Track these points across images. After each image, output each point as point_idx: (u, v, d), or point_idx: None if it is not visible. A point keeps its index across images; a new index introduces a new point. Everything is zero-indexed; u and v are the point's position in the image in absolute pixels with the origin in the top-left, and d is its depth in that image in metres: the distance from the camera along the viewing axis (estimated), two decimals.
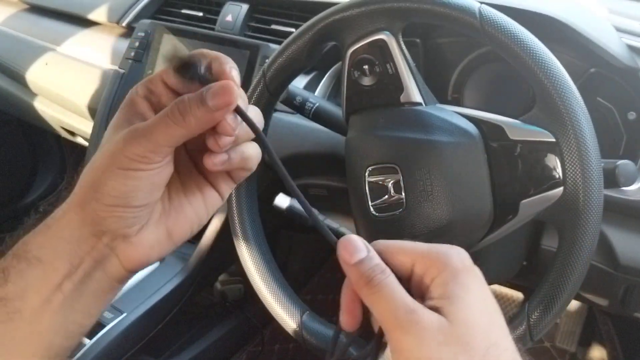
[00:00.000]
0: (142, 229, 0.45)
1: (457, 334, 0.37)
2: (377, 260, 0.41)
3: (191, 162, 0.49)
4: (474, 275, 0.40)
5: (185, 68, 0.42)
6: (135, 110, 0.45)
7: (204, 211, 0.50)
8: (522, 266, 0.96)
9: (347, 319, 0.44)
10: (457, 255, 0.40)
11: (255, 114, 0.46)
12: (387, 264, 0.42)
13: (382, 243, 0.43)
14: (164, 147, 0.42)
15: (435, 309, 0.38)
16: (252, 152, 0.48)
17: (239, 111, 0.43)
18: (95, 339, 0.94)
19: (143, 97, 0.46)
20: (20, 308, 0.42)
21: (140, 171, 0.42)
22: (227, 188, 0.51)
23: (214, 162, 0.45)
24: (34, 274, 0.43)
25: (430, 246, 0.42)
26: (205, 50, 0.44)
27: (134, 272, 0.47)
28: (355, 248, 0.41)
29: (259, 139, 0.46)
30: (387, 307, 0.39)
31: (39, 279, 0.43)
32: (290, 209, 0.40)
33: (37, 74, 1.36)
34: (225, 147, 0.44)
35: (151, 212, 0.45)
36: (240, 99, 0.42)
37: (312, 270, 1.52)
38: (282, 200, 0.39)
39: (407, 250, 0.42)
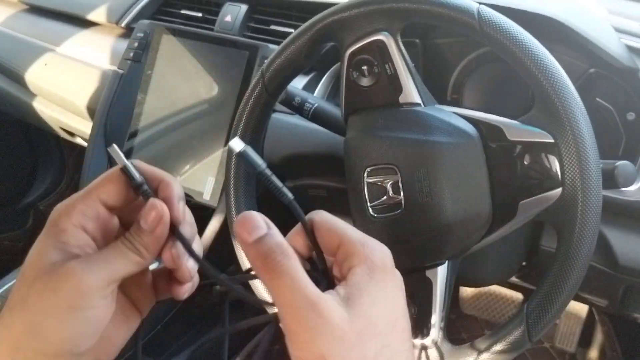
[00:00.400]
0: None
1: (355, 330, 0.36)
2: (278, 238, 0.38)
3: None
4: (391, 278, 0.39)
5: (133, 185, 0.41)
6: (67, 242, 0.39)
7: (127, 333, 0.45)
8: (521, 266, 0.96)
9: None
10: (381, 254, 0.39)
11: (190, 226, 0.44)
12: (317, 238, 0.40)
13: (319, 216, 0.41)
14: (120, 276, 0.39)
15: (343, 296, 0.37)
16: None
17: (174, 231, 0.41)
18: None
19: (78, 226, 0.40)
20: None
21: (90, 309, 0.37)
22: (149, 305, 0.47)
23: (184, 292, 0.44)
24: None
25: (360, 236, 0.40)
26: (146, 168, 0.43)
27: None
28: (254, 225, 0.38)
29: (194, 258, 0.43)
30: (286, 296, 0.36)
31: None
32: (243, 154, 0.37)
33: (36, 75, 1.36)
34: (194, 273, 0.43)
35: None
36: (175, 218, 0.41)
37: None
38: (237, 144, 0.36)
39: (338, 231, 0.40)
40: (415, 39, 0.96)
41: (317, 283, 0.38)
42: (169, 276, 0.45)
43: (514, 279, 1.06)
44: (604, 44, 0.81)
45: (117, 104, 1.18)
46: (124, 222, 0.45)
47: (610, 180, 0.65)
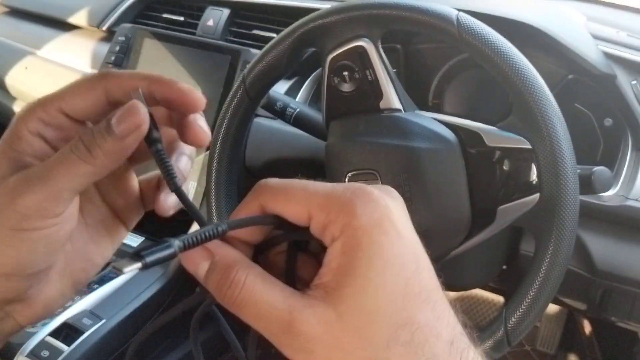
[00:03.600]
0: (43, 287, 0.37)
1: (349, 329, 0.29)
2: (224, 263, 0.32)
3: (98, 195, 0.40)
4: (386, 236, 0.30)
5: None
6: (22, 150, 0.34)
7: (110, 248, 0.41)
8: (501, 270, 0.97)
9: None
10: (363, 206, 0.30)
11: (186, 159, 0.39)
12: (282, 216, 0.33)
13: (269, 188, 0.33)
14: (66, 193, 0.33)
15: (327, 290, 0.30)
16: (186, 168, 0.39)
17: (150, 140, 0.35)
18: (74, 345, 0.93)
19: (36, 134, 0.35)
20: None
21: (36, 231, 0.33)
22: (136, 217, 0.42)
23: (168, 207, 0.39)
24: None
25: (329, 191, 0.31)
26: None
27: (28, 325, 0.38)
28: (194, 260, 0.32)
29: (170, 183, 0.35)
30: (260, 324, 0.31)
31: None
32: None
33: (16, 78, 1.35)
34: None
35: (51, 269, 0.37)
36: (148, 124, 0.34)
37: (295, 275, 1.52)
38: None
39: (299, 199, 0.32)
40: (397, 45, 0.96)
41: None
42: (158, 185, 0.40)
43: (494, 283, 1.07)
44: (582, 51, 0.82)
45: None
46: None
47: (587, 185, 0.66)
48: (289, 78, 1.03)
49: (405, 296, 0.30)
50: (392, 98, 0.71)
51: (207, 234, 0.32)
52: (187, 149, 0.40)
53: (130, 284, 1.03)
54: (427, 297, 0.31)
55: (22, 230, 0.33)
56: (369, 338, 0.29)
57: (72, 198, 0.34)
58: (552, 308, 1.43)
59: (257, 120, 0.96)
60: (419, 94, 0.91)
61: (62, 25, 1.36)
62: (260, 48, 0.80)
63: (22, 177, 0.33)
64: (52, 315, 0.39)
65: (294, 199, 0.32)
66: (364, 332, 0.29)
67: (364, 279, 0.29)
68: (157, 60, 1.15)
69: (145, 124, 0.33)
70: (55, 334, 0.90)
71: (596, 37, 0.88)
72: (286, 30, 0.75)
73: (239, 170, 0.85)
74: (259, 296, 0.30)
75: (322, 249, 0.32)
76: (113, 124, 0.33)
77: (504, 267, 0.97)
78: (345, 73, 0.72)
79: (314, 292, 0.31)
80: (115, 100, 0.35)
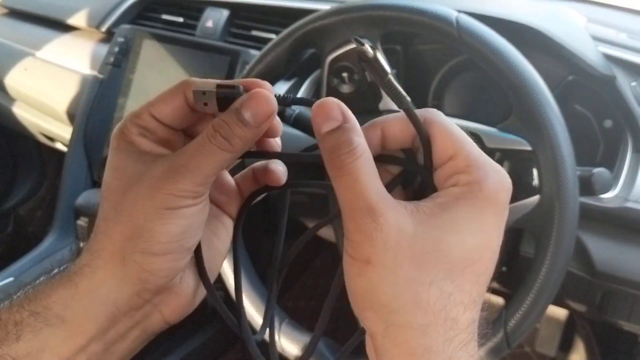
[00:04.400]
0: (184, 275, 0.40)
1: (415, 249, 0.32)
2: (348, 135, 0.34)
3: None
4: (495, 213, 0.34)
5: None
6: (138, 149, 0.39)
7: (227, 237, 0.45)
8: (501, 272, 0.96)
9: None
10: (496, 183, 0.34)
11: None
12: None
13: (438, 118, 0.36)
14: (211, 177, 0.37)
15: (422, 211, 0.33)
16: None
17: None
18: None
19: (139, 134, 0.39)
20: None
21: (189, 207, 0.37)
22: (237, 207, 0.46)
23: (280, 177, 0.43)
24: (54, 334, 0.37)
25: (480, 155, 0.35)
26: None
27: (174, 323, 0.42)
28: (328, 115, 0.34)
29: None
30: (346, 195, 0.33)
31: (59, 340, 0.37)
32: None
33: (16, 79, 1.35)
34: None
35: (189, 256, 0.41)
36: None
37: (293, 277, 1.52)
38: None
39: (456, 142, 0.35)
40: (397, 46, 0.96)
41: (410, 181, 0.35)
42: (254, 177, 0.45)
43: (494, 285, 1.07)
44: (582, 52, 0.82)
45: (97, 109, 1.17)
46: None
47: (587, 187, 0.66)
48: (288, 79, 1.03)
49: (470, 266, 0.33)
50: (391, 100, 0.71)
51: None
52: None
53: None
54: (481, 283, 0.34)
55: (179, 208, 0.37)
56: (423, 265, 0.32)
57: (213, 181, 0.38)
58: (552, 310, 1.43)
59: None
60: (418, 95, 0.91)
61: (62, 27, 1.35)
62: (259, 49, 0.80)
63: (167, 167, 0.37)
64: (194, 308, 0.42)
65: (455, 139, 0.35)
66: (423, 259, 0.32)
67: (457, 226, 0.33)
68: (156, 61, 1.15)
69: (275, 110, 0.36)
70: None
71: (596, 39, 0.88)
72: (285, 31, 0.75)
73: (238, 171, 0.85)
74: (364, 174, 0.33)
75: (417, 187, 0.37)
76: (247, 116, 0.36)
77: (504, 268, 0.96)
78: (345, 74, 0.72)
79: (406, 203, 0.34)
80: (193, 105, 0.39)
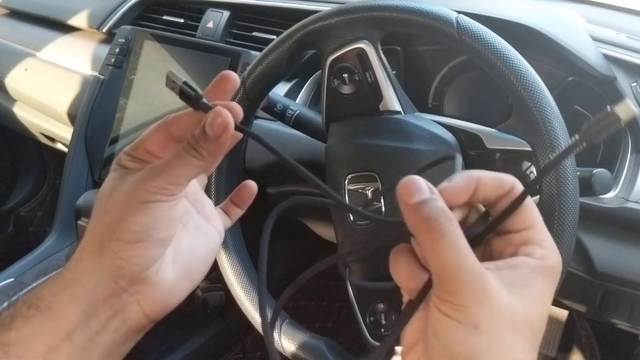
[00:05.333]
0: (160, 269, 0.44)
1: (512, 318, 0.35)
2: (441, 203, 0.36)
3: (193, 209, 0.51)
4: (553, 285, 0.38)
5: (186, 97, 0.43)
6: (130, 170, 0.45)
7: (209, 246, 0.51)
8: None
9: (406, 284, 0.40)
10: (558, 259, 0.38)
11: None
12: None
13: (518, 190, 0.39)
14: (183, 180, 0.43)
15: (505, 281, 0.36)
16: None
17: (239, 129, 0.44)
18: None
19: (132, 161, 0.45)
20: (22, 355, 0.40)
21: (160, 202, 0.42)
22: (227, 223, 0.54)
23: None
24: (41, 322, 0.40)
25: (548, 236, 0.39)
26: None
27: (154, 320, 0.45)
28: (417, 188, 0.36)
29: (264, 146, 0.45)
30: (448, 258, 0.35)
31: (45, 327, 0.40)
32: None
33: (16, 80, 1.35)
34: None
35: (167, 249, 0.45)
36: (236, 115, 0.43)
37: (294, 277, 1.52)
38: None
39: (532, 217, 0.38)
40: (397, 47, 0.96)
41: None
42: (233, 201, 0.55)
43: None
44: (582, 53, 0.82)
45: (97, 110, 1.17)
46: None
47: (587, 187, 0.66)
48: (288, 80, 1.03)
49: (540, 332, 0.36)
50: (391, 100, 0.71)
51: None
52: None
53: None
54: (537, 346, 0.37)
55: (150, 202, 0.42)
56: (519, 333, 0.35)
57: (186, 184, 0.44)
58: (552, 310, 1.43)
59: (256, 122, 0.96)
60: (418, 96, 0.91)
61: (62, 27, 1.36)
62: (259, 50, 0.80)
63: (148, 169, 0.43)
64: (174, 304, 0.46)
65: (532, 215, 0.39)
66: (519, 328, 0.35)
67: (535, 297, 0.36)
68: (157, 62, 1.15)
69: (231, 124, 0.42)
70: None
71: (596, 39, 0.88)
72: (286, 32, 0.75)
73: (238, 172, 0.85)
74: (460, 238, 0.35)
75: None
76: (207, 130, 0.42)
77: None
78: (345, 75, 0.72)
79: (494, 274, 0.36)
80: (177, 137, 0.45)
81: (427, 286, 0.38)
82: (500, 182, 0.39)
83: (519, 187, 0.39)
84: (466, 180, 0.38)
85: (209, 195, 0.81)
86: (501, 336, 0.34)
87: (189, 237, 0.48)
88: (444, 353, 0.35)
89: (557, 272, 0.38)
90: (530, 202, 0.39)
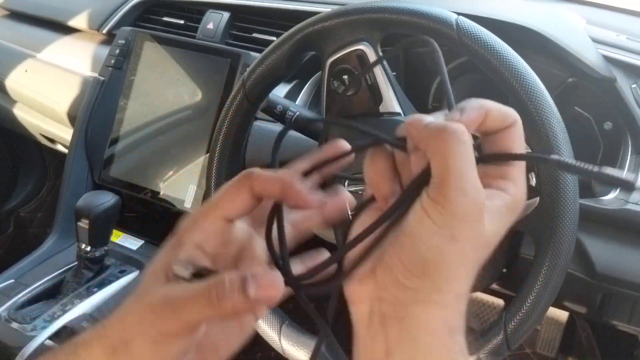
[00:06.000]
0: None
1: (487, 247, 0.36)
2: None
3: None
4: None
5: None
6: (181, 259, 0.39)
7: (238, 341, 0.43)
8: (502, 274, 0.96)
9: (376, 186, 0.40)
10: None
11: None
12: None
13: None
14: (191, 324, 0.37)
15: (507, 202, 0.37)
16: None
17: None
18: None
19: (197, 246, 0.39)
20: None
21: (172, 345, 0.37)
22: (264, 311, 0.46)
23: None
24: None
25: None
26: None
27: None
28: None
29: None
30: (459, 164, 0.34)
31: None
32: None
33: (16, 81, 1.35)
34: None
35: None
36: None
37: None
38: None
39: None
40: None
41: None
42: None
43: (494, 286, 1.07)
44: (581, 54, 0.82)
45: (97, 111, 1.17)
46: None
47: (587, 189, 0.66)
48: (288, 81, 1.03)
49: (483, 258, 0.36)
50: (391, 102, 0.71)
51: None
52: None
53: (129, 287, 1.03)
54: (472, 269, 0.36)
55: (160, 344, 0.36)
56: (482, 250, 0.36)
57: (197, 327, 0.37)
58: (552, 311, 1.43)
59: (256, 123, 0.95)
60: (419, 97, 0.91)
61: (62, 28, 1.36)
62: (260, 51, 0.80)
63: (162, 301, 0.36)
64: None
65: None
66: (485, 247, 0.36)
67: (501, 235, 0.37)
68: (157, 63, 1.15)
69: (277, 297, 0.35)
70: (54, 337, 0.90)
71: (596, 41, 0.88)
72: (286, 33, 0.75)
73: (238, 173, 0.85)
74: (472, 155, 0.35)
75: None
76: (250, 288, 0.35)
77: (504, 270, 0.96)
78: (345, 76, 0.72)
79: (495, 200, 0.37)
80: (260, 195, 0.39)
81: (416, 185, 0.37)
82: (504, 116, 0.38)
83: (519, 124, 0.39)
84: (477, 112, 0.37)
85: (209, 196, 0.81)
86: (470, 255, 0.35)
87: (217, 332, 0.42)
88: (411, 254, 0.35)
89: (520, 209, 0.38)
90: (519, 133, 0.38)
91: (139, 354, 0.36)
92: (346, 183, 0.71)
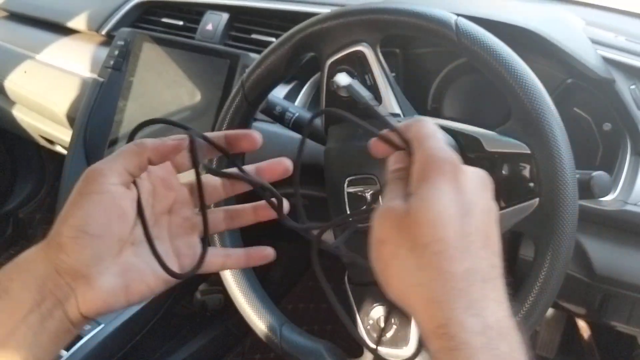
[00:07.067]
0: (101, 274, 0.45)
1: (407, 223, 0.41)
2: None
3: (168, 238, 0.53)
4: (445, 174, 0.42)
5: None
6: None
7: (163, 283, 0.50)
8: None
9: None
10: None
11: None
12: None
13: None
14: (122, 170, 0.46)
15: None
16: None
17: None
18: (72, 350, 0.93)
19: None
20: None
21: (95, 194, 0.44)
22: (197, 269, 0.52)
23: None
24: (0, 305, 0.43)
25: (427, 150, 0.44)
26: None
27: (88, 318, 0.46)
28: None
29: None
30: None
31: (4, 310, 0.43)
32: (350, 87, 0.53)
33: (15, 82, 1.35)
34: None
35: (111, 256, 0.46)
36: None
37: (293, 280, 1.52)
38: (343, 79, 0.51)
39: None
40: (396, 49, 0.96)
41: None
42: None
43: None
44: (580, 56, 0.82)
45: (97, 112, 1.17)
46: None
47: (586, 190, 0.66)
48: (287, 82, 1.03)
49: (448, 223, 0.40)
50: (391, 103, 0.71)
51: None
52: None
53: None
54: (466, 234, 0.41)
55: (88, 193, 0.44)
56: (416, 234, 0.40)
57: (123, 176, 0.46)
58: (552, 312, 1.43)
59: (255, 124, 0.95)
60: (418, 98, 0.91)
61: (61, 30, 1.36)
62: (259, 52, 0.80)
63: (95, 163, 0.46)
64: (108, 311, 0.46)
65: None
66: (412, 228, 0.41)
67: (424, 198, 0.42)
68: (156, 64, 1.15)
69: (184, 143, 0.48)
70: None
71: (595, 42, 0.88)
72: (285, 35, 0.75)
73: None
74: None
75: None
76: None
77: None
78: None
79: (396, 193, 0.45)
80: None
81: None
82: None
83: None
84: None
85: None
86: (398, 244, 0.42)
87: (146, 265, 0.48)
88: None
89: (438, 160, 0.43)
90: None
91: (70, 216, 0.44)
92: (346, 183, 0.71)
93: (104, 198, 0.44)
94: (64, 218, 0.44)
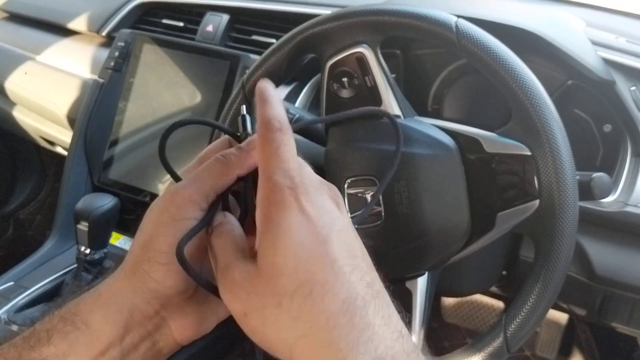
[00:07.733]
0: (191, 300, 0.43)
1: (263, 280, 0.36)
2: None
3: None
4: (287, 206, 0.37)
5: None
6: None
7: (223, 313, 0.47)
8: (501, 276, 0.97)
9: None
10: (282, 172, 0.38)
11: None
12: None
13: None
14: (210, 192, 0.43)
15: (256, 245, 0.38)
16: None
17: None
18: None
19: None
20: None
21: (187, 220, 0.41)
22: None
23: None
24: (79, 338, 0.41)
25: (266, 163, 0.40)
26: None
27: (183, 344, 0.44)
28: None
29: None
30: (215, 264, 0.40)
31: (83, 344, 0.41)
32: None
33: (16, 83, 1.35)
34: None
35: (193, 291, 0.44)
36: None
37: None
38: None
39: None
40: (396, 50, 0.97)
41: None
42: None
43: (494, 289, 1.07)
44: (581, 57, 0.82)
45: (97, 114, 1.17)
46: None
47: (587, 192, 0.66)
48: (288, 83, 1.03)
49: (305, 261, 0.36)
50: (391, 104, 0.71)
51: None
52: None
53: None
54: (331, 263, 0.37)
55: (181, 219, 0.41)
56: (276, 288, 0.36)
57: (210, 198, 0.43)
58: (552, 313, 1.43)
59: (256, 126, 0.95)
60: (418, 99, 0.91)
61: (62, 31, 1.36)
62: (259, 54, 0.80)
63: (183, 183, 0.43)
64: (202, 334, 0.45)
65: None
66: (272, 283, 0.36)
67: (273, 235, 0.37)
68: (156, 66, 1.15)
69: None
70: None
71: (595, 43, 0.88)
72: (285, 36, 0.75)
73: None
74: (228, 238, 0.41)
75: None
76: (244, 145, 0.46)
77: (504, 272, 0.96)
78: (345, 79, 0.72)
79: (242, 250, 0.40)
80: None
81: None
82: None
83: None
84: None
85: None
86: (261, 306, 0.37)
87: (204, 299, 0.45)
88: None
89: (281, 189, 0.38)
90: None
91: (160, 243, 0.41)
92: (346, 185, 0.71)
93: (192, 224, 0.42)
94: (148, 242, 0.42)
